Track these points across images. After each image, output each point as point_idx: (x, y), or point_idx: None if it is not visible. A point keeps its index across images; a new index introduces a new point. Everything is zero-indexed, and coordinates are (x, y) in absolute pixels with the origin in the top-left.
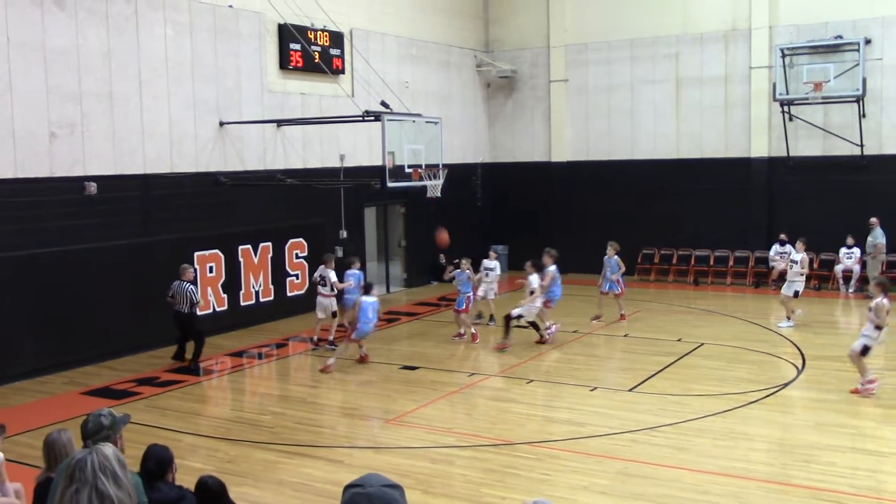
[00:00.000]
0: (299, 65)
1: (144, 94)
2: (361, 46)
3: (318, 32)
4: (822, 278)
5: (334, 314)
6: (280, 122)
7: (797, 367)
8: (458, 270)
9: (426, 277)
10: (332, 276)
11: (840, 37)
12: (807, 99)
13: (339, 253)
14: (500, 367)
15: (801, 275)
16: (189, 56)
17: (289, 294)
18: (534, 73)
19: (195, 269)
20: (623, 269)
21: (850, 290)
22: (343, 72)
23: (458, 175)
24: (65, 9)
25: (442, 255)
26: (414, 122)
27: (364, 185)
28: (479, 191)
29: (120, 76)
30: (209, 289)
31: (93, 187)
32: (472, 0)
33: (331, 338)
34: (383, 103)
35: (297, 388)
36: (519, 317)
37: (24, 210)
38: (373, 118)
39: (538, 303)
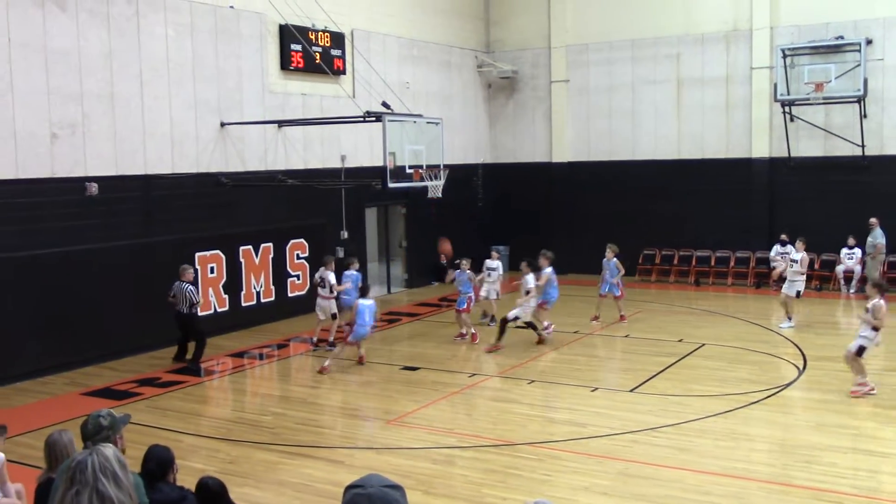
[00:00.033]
0: (300, 65)
1: (145, 94)
2: (362, 47)
3: (319, 33)
4: (823, 279)
5: (334, 316)
6: (281, 123)
7: (798, 368)
8: (459, 271)
9: (427, 278)
10: (332, 278)
11: (841, 37)
12: (808, 99)
13: (341, 253)
14: (501, 368)
15: (802, 274)
16: (190, 57)
17: (290, 295)
18: (535, 73)
19: (196, 270)
20: (622, 271)
21: (852, 291)
22: (344, 72)
23: (459, 175)
24: (66, 10)
25: (443, 256)
26: (415, 122)
27: (365, 185)
28: (480, 191)
29: (121, 77)
30: (210, 289)
31: (94, 188)
32: (473, 1)
33: (331, 339)
34: (384, 104)
35: (298, 388)
36: (515, 319)
37: (26, 211)
38: (374, 119)
39: (533, 303)
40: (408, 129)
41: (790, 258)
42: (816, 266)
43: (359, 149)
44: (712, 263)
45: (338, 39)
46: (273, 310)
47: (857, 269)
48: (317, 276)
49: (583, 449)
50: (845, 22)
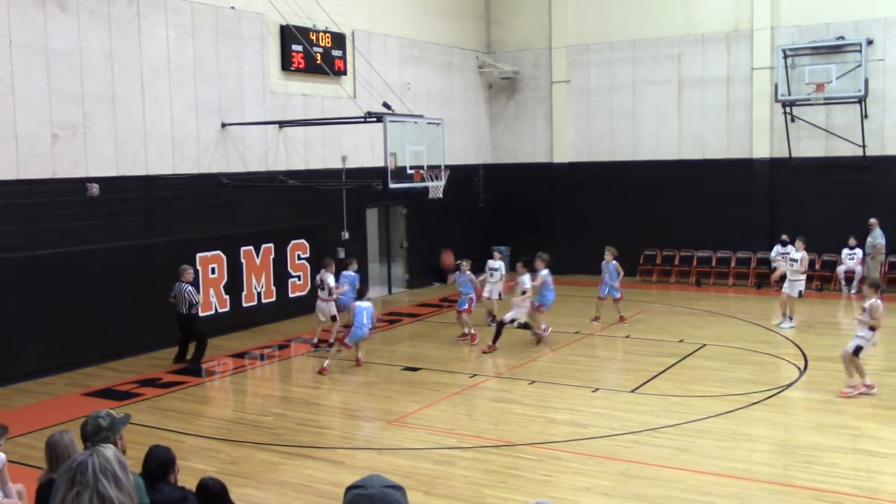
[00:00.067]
0: (301, 66)
1: (146, 95)
2: (363, 48)
3: (320, 34)
4: (824, 279)
5: (334, 318)
6: (282, 124)
7: (799, 369)
8: (459, 272)
9: (428, 279)
10: (331, 280)
11: (842, 38)
12: (809, 100)
13: (342, 254)
14: (502, 369)
15: (802, 273)
16: (191, 57)
17: (290, 295)
18: (535, 73)
19: (197, 271)
20: (622, 274)
21: (853, 291)
22: (345, 73)
23: (460, 176)
24: (67, 11)
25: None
26: (416, 123)
27: (366, 186)
28: (481, 192)
29: (122, 78)
30: (211, 290)
31: (95, 189)
32: (474, 1)
33: (331, 340)
34: (385, 104)
35: (299, 389)
36: (512, 321)
37: (27, 211)
38: (375, 119)
39: (528, 304)
40: (409, 129)
41: (790, 258)
42: (817, 266)
43: (360, 149)
44: (713, 264)
45: (339, 40)
46: (274, 310)
47: (859, 269)
48: (318, 277)
49: (584, 449)
50: (846, 22)
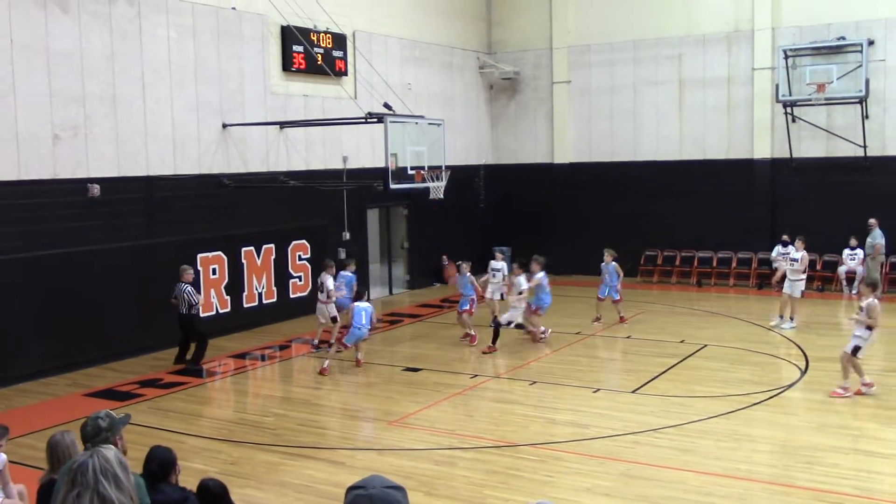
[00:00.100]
0: (302, 67)
1: (147, 96)
2: (364, 48)
3: (321, 34)
4: (825, 280)
5: (334, 319)
6: (283, 124)
7: (800, 369)
8: (459, 274)
9: (429, 279)
10: (330, 283)
11: (843, 38)
12: (810, 100)
13: (342, 255)
14: (502, 369)
15: (802, 273)
16: (192, 58)
17: (291, 296)
18: (536, 74)
19: (198, 271)
20: (621, 274)
21: (854, 292)
22: (346, 74)
23: (461, 177)
24: (68, 11)
25: (444, 257)
26: (416, 123)
27: (367, 186)
28: (482, 192)
29: (123, 78)
30: (212, 290)
31: (96, 189)
32: (475, 2)
33: (332, 340)
34: (386, 105)
35: (300, 389)
36: (509, 323)
37: (28, 212)
38: (375, 120)
39: (523, 305)
40: (409, 130)
41: (790, 258)
42: (818, 267)
43: (360, 150)
44: (714, 264)
45: (339, 41)
46: (275, 311)
47: (860, 269)
48: (319, 279)
49: (585, 450)
50: (847, 23)
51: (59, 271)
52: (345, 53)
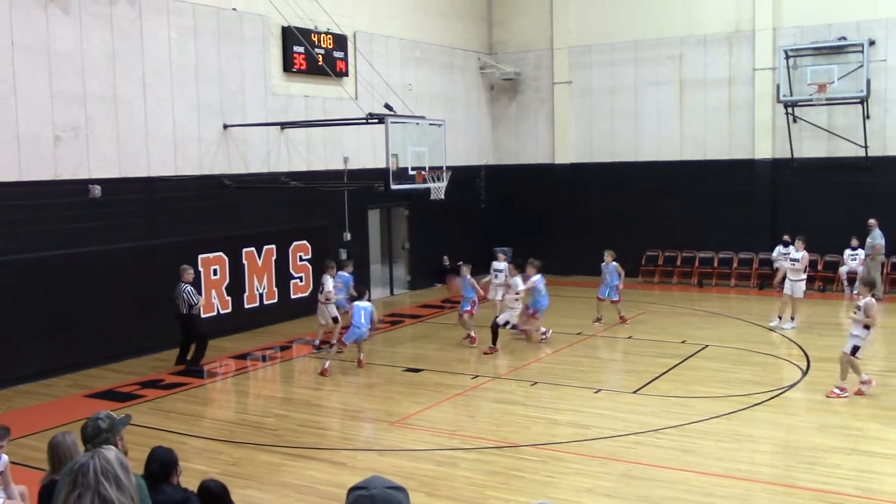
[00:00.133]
0: (303, 67)
1: (148, 97)
2: (365, 49)
3: (322, 35)
4: (826, 280)
5: (335, 320)
6: (284, 125)
7: (801, 369)
8: (460, 277)
9: (430, 280)
10: (328, 284)
11: (844, 38)
12: (811, 100)
13: (344, 255)
14: (503, 370)
15: (803, 273)
16: (193, 59)
17: (292, 296)
18: (537, 74)
19: (199, 272)
20: (623, 274)
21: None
22: (347, 74)
23: (462, 177)
24: (69, 12)
25: (445, 257)
26: (417, 124)
27: (368, 187)
28: (483, 193)
29: (124, 79)
30: (213, 291)
31: (97, 190)
32: (476, 2)
33: (333, 341)
34: (387, 106)
35: (301, 390)
36: (506, 324)
37: (29, 213)
38: (376, 121)
39: (520, 305)
40: (410, 130)
41: (790, 258)
42: (820, 267)
43: (361, 151)
44: (715, 265)
45: (340, 41)
46: (276, 312)
47: (861, 270)
48: (321, 281)
49: (586, 450)
50: (848, 23)
51: (60, 272)
52: (346, 54)
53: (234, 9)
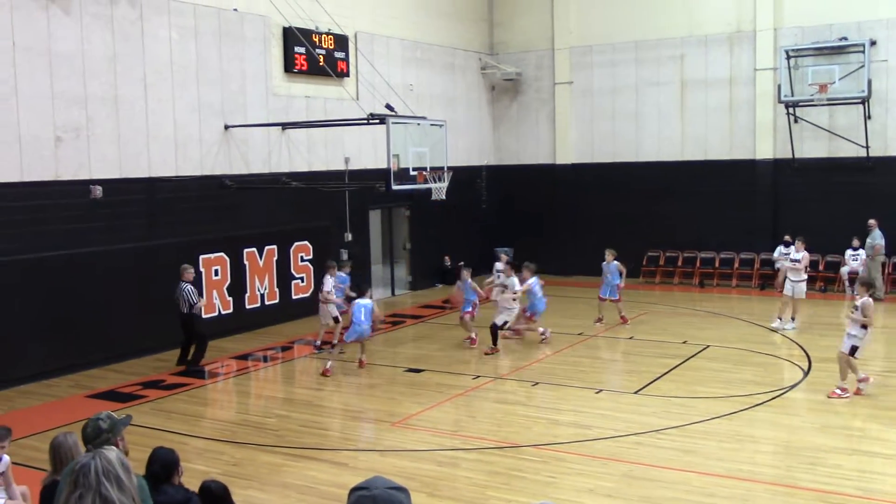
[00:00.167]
0: (304, 68)
1: (149, 97)
2: (366, 49)
3: (323, 35)
4: (827, 280)
5: (336, 320)
6: (285, 126)
7: (803, 370)
8: (461, 280)
9: (431, 280)
10: (327, 284)
11: (845, 38)
12: (812, 100)
13: (345, 255)
14: (505, 370)
15: (804, 273)
16: (194, 60)
17: (294, 297)
18: (538, 75)
19: (200, 272)
20: (624, 272)
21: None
22: (348, 75)
23: (463, 177)
24: (70, 13)
25: (447, 258)
26: (418, 124)
27: (369, 187)
28: (484, 193)
29: (125, 80)
30: (214, 292)
31: (98, 191)
32: (477, 3)
33: (334, 341)
34: (388, 106)
35: (302, 390)
36: (504, 324)
37: (30, 214)
38: (377, 121)
39: (517, 306)
40: (411, 131)
41: (791, 258)
42: (821, 267)
43: (362, 151)
44: (716, 265)
45: (341, 42)
46: (277, 312)
47: (862, 270)
48: (322, 281)
49: (587, 451)
50: (849, 23)
51: (62, 273)
52: (347, 54)
53: (235, 9)
